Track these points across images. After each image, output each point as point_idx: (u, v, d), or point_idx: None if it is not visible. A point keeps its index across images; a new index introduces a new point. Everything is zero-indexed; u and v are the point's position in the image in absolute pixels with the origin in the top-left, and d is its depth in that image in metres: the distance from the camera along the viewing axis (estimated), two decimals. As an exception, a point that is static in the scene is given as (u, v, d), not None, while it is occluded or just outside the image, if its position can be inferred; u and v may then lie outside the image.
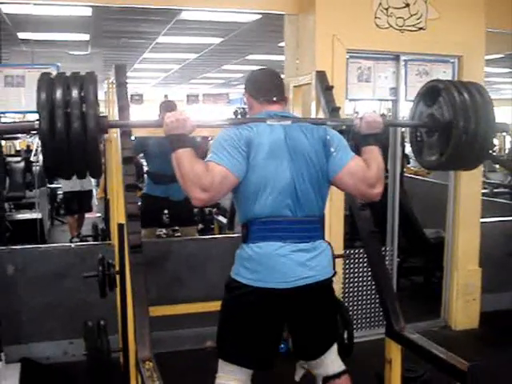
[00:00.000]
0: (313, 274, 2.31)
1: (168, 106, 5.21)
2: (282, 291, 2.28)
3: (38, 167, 7.25)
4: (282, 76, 4.14)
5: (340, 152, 2.39)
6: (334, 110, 3.22)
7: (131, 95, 15.78)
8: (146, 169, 5.84)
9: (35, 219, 6.43)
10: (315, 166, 2.35)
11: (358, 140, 2.55)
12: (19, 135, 12.02)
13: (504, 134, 16.34)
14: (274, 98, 2.47)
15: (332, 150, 2.38)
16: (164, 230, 7.07)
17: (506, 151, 14.67)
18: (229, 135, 2.29)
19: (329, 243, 2.45)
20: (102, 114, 2.28)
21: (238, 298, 2.36)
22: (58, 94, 2.07)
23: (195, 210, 6.35)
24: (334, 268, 2.46)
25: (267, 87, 2.49)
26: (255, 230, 2.31)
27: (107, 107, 3.96)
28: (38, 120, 2.05)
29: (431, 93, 2.69)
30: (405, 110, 4.24)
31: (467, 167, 2.85)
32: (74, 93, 2.08)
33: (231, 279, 2.37)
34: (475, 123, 2.48)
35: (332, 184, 2.43)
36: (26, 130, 2.37)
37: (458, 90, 2.54)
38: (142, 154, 5.64)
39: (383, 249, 4.22)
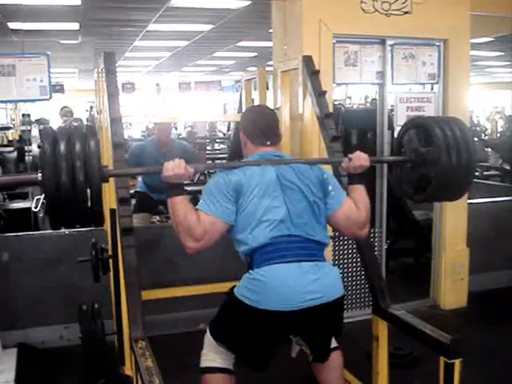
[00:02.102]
0: (318, 296, 2.33)
1: (163, 127, 5.21)
2: (287, 313, 2.30)
3: (30, 157, 7.26)
4: (270, 62, 4.23)
5: (336, 192, 2.53)
6: (320, 95, 3.27)
7: (123, 84, 15.77)
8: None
9: (29, 208, 6.44)
10: (313, 199, 2.44)
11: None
12: (11, 125, 12.03)
13: (498, 117, 16.44)
14: (268, 143, 2.57)
15: (330, 188, 2.51)
16: (158, 218, 7.12)
17: (498, 135, 14.74)
18: (218, 182, 2.40)
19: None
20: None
21: (240, 310, 2.38)
22: (62, 147, 2.07)
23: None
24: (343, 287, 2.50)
25: (262, 131, 2.58)
26: (258, 257, 2.35)
27: (97, 96, 3.97)
28: (40, 173, 2.06)
29: (416, 130, 2.75)
30: (391, 96, 4.32)
31: (451, 198, 2.94)
32: (77, 146, 2.10)
33: (235, 297, 2.39)
34: (457, 158, 2.55)
35: (327, 222, 2.53)
36: (29, 183, 2.37)
37: (440, 127, 2.60)
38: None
39: (372, 230, 4.28)
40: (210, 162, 9.33)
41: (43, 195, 2.10)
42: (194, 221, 2.27)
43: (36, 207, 5.87)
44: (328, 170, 2.73)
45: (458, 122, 2.68)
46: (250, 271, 2.37)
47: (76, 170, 2.05)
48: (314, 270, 2.36)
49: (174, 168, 2.25)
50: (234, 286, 2.44)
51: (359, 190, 2.56)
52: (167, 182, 2.29)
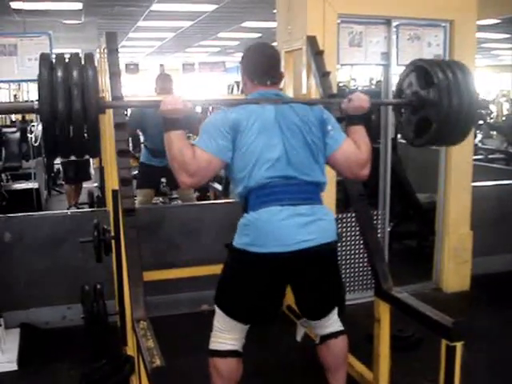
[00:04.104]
0: (312, 238, 2.34)
1: (164, 79, 5.19)
2: (282, 255, 2.31)
3: (33, 137, 7.26)
4: (275, 44, 4.19)
5: (336, 131, 2.50)
6: (324, 75, 3.24)
7: (126, 64, 15.70)
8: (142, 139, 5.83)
9: (31, 189, 6.45)
10: (311, 139, 2.42)
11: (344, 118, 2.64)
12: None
13: (503, 100, 16.36)
14: (268, 82, 2.54)
15: (329, 127, 2.48)
16: (161, 199, 7.14)
17: (504, 118, 14.66)
18: (216, 119, 2.40)
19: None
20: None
21: (239, 260, 2.41)
22: (59, 75, 2.06)
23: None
24: (337, 233, 2.50)
25: (263, 69, 2.55)
26: (253, 199, 2.36)
27: (100, 76, 3.94)
28: (37, 101, 2.05)
29: (416, 72, 2.72)
30: (396, 77, 4.26)
31: (453, 142, 2.90)
32: (75, 74, 2.08)
33: (233, 246, 2.42)
34: (458, 100, 2.52)
35: (326, 162, 2.51)
36: (26, 110, 2.36)
37: (441, 70, 2.57)
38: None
39: (375, 213, 4.27)
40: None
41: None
42: (189, 156, 2.26)
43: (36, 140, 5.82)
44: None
45: (460, 65, 2.63)
46: (245, 214, 2.38)
47: (73, 99, 2.04)
48: (308, 213, 2.36)
49: (171, 102, 2.25)
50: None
51: (359, 131, 2.53)
52: (164, 117, 2.28)
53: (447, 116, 2.53)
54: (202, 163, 2.29)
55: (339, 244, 4.22)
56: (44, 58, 2.13)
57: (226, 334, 2.52)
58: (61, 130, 2.06)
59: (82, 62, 2.15)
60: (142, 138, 5.99)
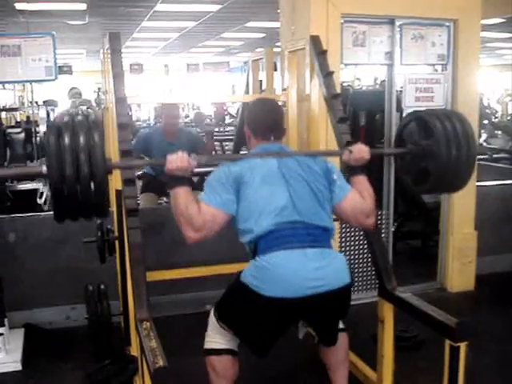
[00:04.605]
0: (323, 284, 2.33)
1: (170, 112, 5.10)
2: (291, 300, 2.30)
3: (38, 138, 7.26)
4: (279, 43, 4.18)
5: (341, 181, 2.55)
6: (327, 75, 3.22)
7: (130, 65, 15.72)
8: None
9: (36, 189, 6.45)
10: (316, 187, 2.45)
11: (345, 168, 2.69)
12: (18, 107, 12.02)
13: (508, 99, 16.31)
14: (272, 138, 2.59)
15: (335, 176, 2.53)
16: (165, 199, 7.12)
17: (508, 117, 14.62)
18: (219, 174, 2.44)
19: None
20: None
21: (249, 297, 2.38)
22: (66, 141, 2.09)
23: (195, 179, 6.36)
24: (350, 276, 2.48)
25: (266, 126, 2.60)
26: (262, 245, 2.36)
27: (103, 77, 3.95)
28: (45, 165, 2.08)
29: (416, 122, 2.73)
30: (400, 77, 4.26)
31: (453, 190, 2.93)
32: (82, 139, 2.11)
33: (241, 282, 2.41)
34: (457, 151, 2.53)
35: (332, 211, 2.54)
36: (34, 175, 2.37)
37: (440, 121, 2.57)
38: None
39: (379, 213, 4.26)
40: (217, 143, 9.32)
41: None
42: (195, 211, 2.30)
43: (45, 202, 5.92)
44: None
45: (459, 116, 2.66)
46: (256, 258, 2.37)
47: (80, 163, 2.07)
48: (319, 258, 2.35)
49: (176, 161, 2.27)
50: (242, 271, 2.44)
51: (362, 181, 2.58)
52: (170, 175, 2.31)
53: (446, 167, 2.56)
54: (207, 217, 2.32)
55: (342, 244, 4.24)
56: (51, 126, 2.18)
57: (221, 336, 2.55)
58: (69, 192, 2.09)
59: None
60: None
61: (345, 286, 2.42)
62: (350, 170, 2.62)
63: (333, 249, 2.51)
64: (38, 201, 5.80)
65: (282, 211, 2.35)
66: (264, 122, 2.62)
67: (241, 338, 2.52)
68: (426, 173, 2.65)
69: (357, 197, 2.52)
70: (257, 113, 2.68)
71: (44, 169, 2.09)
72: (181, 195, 2.31)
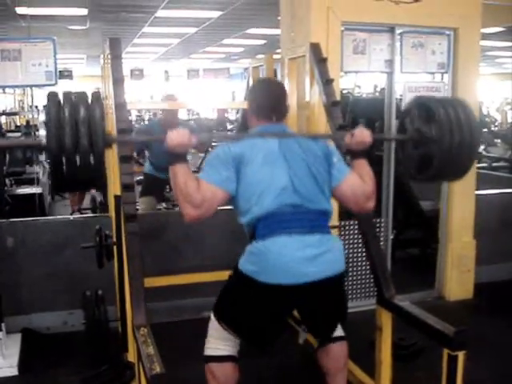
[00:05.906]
0: (321, 270, 2.33)
1: (171, 112, 5.16)
2: (290, 286, 2.30)
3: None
4: (279, 50, 4.19)
5: (341, 164, 2.53)
6: (327, 82, 3.24)
7: (131, 70, 15.76)
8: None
9: (35, 194, 6.46)
10: (316, 169, 2.43)
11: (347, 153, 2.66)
12: (18, 111, 12.04)
13: (508, 108, 16.35)
14: (274, 118, 2.56)
15: (335, 159, 2.51)
16: (164, 205, 7.14)
17: (508, 126, 14.66)
18: (219, 153, 2.42)
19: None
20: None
21: (246, 285, 2.38)
22: (67, 113, 2.08)
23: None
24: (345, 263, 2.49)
25: (268, 107, 2.57)
26: (261, 228, 2.35)
27: (103, 82, 3.96)
28: (45, 137, 2.07)
29: (419, 109, 2.72)
30: (400, 85, 4.27)
31: (455, 178, 2.90)
32: (82, 111, 2.10)
33: (239, 271, 2.40)
34: (460, 137, 2.51)
35: (332, 194, 2.52)
36: (33, 146, 2.37)
37: (443, 107, 2.57)
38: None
39: (378, 221, 4.26)
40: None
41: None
42: (194, 188, 2.27)
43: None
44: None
45: (461, 103, 2.64)
46: (253, 242, 2.37)
47: (80, 135, 2.05)
48: (317, 244, 2.35)
49: (177, 137, 2.24)
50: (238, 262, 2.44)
51: (362, 165, 2.55)
52: (170, 151, 2.28)
53: (449, 153, 2.53)
54: (207, 194, 2.29)
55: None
56: (52, 98, 2.14)
57: (221, 341, 2.53)
58: (67, 164, 2.08)
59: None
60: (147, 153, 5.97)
61: (340, 273, 2.43)
62: (351, 154, 2.58)
63: (330, 233, 2.49)
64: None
65: (281, 192, 2.34)
66: (266, 101, 2.58)
67: (239, 331, 2.48)
68: (428, 160, 2.62)
69: (357, 180, 2.50)
70: (259, 92, 2.65)
71: (43, 141, 2.08)
72: (180, 171, 2.28)
